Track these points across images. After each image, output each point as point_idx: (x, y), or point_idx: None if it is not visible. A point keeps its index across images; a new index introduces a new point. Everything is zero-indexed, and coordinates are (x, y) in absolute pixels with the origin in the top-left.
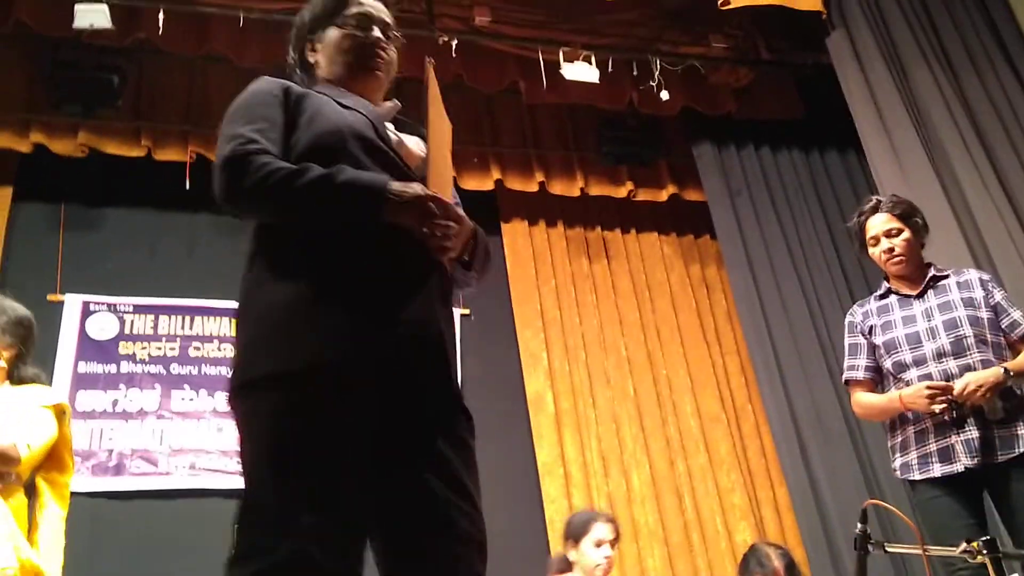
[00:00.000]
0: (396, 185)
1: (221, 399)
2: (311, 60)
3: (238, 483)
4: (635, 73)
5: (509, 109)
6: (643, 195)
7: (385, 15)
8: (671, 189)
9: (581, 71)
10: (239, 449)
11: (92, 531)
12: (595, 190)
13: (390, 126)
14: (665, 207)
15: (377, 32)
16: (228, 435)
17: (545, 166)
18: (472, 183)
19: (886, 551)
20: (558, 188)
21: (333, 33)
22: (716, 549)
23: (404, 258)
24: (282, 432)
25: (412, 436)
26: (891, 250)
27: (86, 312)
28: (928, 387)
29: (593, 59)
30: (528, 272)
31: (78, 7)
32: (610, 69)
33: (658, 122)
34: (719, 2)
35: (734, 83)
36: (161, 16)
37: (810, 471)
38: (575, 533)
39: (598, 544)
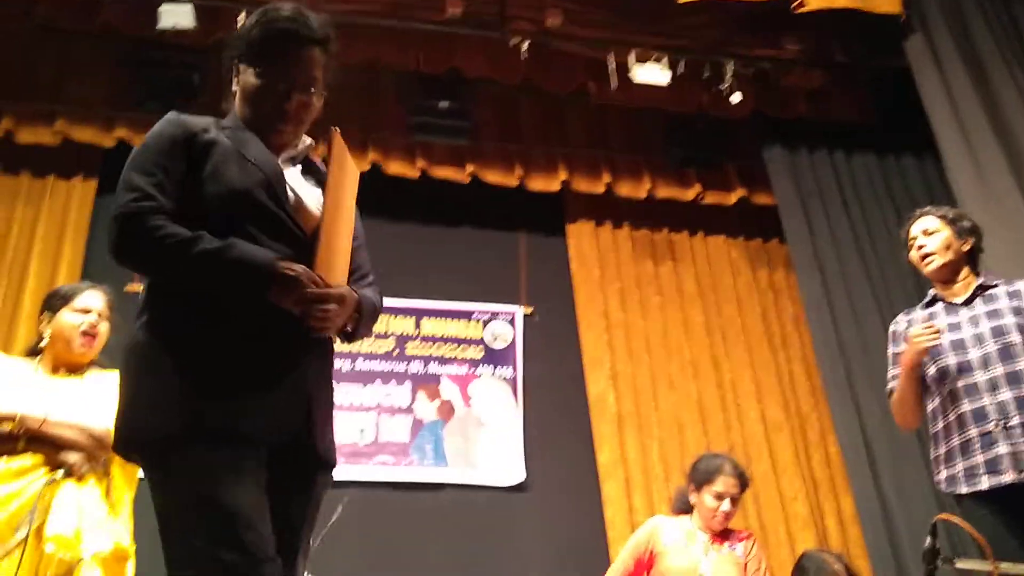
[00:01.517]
0: (281, 267)
1: None
2: (232, 87)
3: None
4: (706, 75)
5: (577, 111)
6: (711, 198)
7: (317, 61)
8: (740, 192)
9: (652, 73)
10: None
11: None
12: (662, 193)
13: (294, 174)
14: (733, 210)
15: (298, 96)
16: None
17: (612, 168)
18: (539, 184)
19: (955, 567)
20: (625, 190)
21: (251, 76)
22: (777, 557)
23: (282, 331)
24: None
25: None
26: (922, 247)
27: None
28: (921, 329)
29: (664, 61)
30: (593, 273)
31: (162, 8)
32: (681, 71)
33: (728, 125)
34: (793, 4)
35: (807, 86)
36: (242, 16)
37: (878, 482)
38: (698, 479)
39: (719, 497)
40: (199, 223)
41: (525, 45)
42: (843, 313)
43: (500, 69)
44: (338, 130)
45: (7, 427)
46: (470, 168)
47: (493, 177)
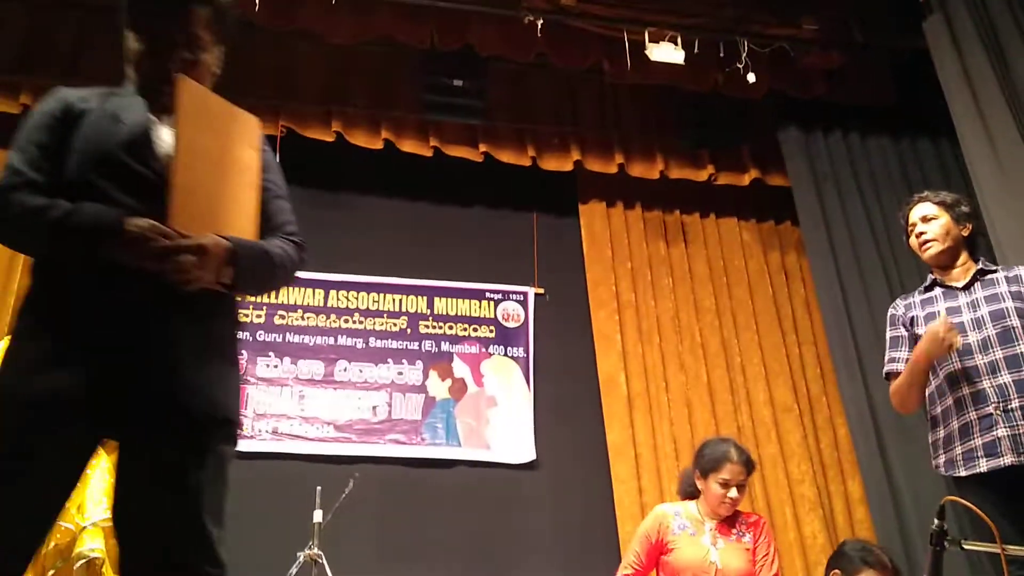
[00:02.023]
0: (125, 224)
1: (304, 367)
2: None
3: (317, 448)
4: (722, 55)
5: (591, 90)
6: (724, 179)
7: (196, 24)
8: (753, 174)
9: (667, 52)
10: None
11: None
12: (675, 173)
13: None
14: (746, 192)
15: (180, 56)
16: (310, 402)
17: (625, 148)
18: (551, 164)
19: (962, 548)
20: (638, 170)
21: (132, 40)
22: (784, 539)
23: (137, 290)
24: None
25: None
26: (922, 234)
27: None
28: (942, 326)
29: (679, 40)
30: (604, 254)
31: None
32: (696, 50)
33: (743, 105)
34: None
35: (824, 66)
36: None
37: (887, 464)
38: (704, 466)
39: (725, 484)
40: (73, 191)
41: (540, 23)
42: (855, 296)
43: (514, 47)
44: (184, 78)
45: None
46: (483, 147)
47: (506, 156)
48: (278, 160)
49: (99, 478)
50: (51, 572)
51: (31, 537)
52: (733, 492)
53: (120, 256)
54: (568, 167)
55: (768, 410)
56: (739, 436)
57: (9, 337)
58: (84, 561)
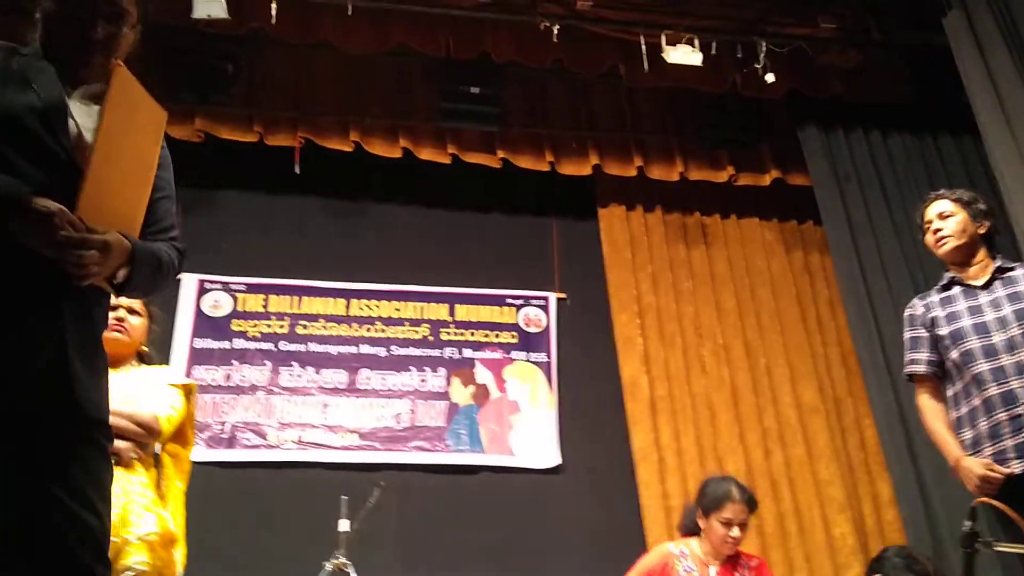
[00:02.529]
0: (31, 201)
1: (327, 376)
2: (35, 15)
3: (339, 456)
4: (739, 56)
5: (608, 94)
6: (744, 180)
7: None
8: (774, 174)
9: (684, 55)
10: None
11: (205, 499)
12: (695, 175)
13: (89, 110)
14: (767, 192)
15: (103, 26)
16: (333, 411)
17: (644, 150)
18: (570, 168)
19: (994, 550)
20: (657, 173)
21: (48, 9)
22: (813, 541)
23: (25, 273)
24: None
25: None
26: (938, 231)
27: (202, 290)
28: (986, 476)
29: (696, 42)
30: (625, 257)
31: None
32: (713, 52)
33: (762, 105)
34: None
35: (843, 65)
36: (274, 6)
37: (916, 466)
38: (706, 505)
39: (728, 524)
40: None
41: (555, 28)
42: (879, 295)
43: (530, 53)
44: (122, 65)
45: None
46: (501, 153)
47: (524, 162)
48: (297, 171)
49: (139, 492)
50: None
51: None
52: (735, 531)
53: (19, 234)
54: (586, 171)
55: (794, 411)
56: (764, 438)
57: None
58: (130, 574)
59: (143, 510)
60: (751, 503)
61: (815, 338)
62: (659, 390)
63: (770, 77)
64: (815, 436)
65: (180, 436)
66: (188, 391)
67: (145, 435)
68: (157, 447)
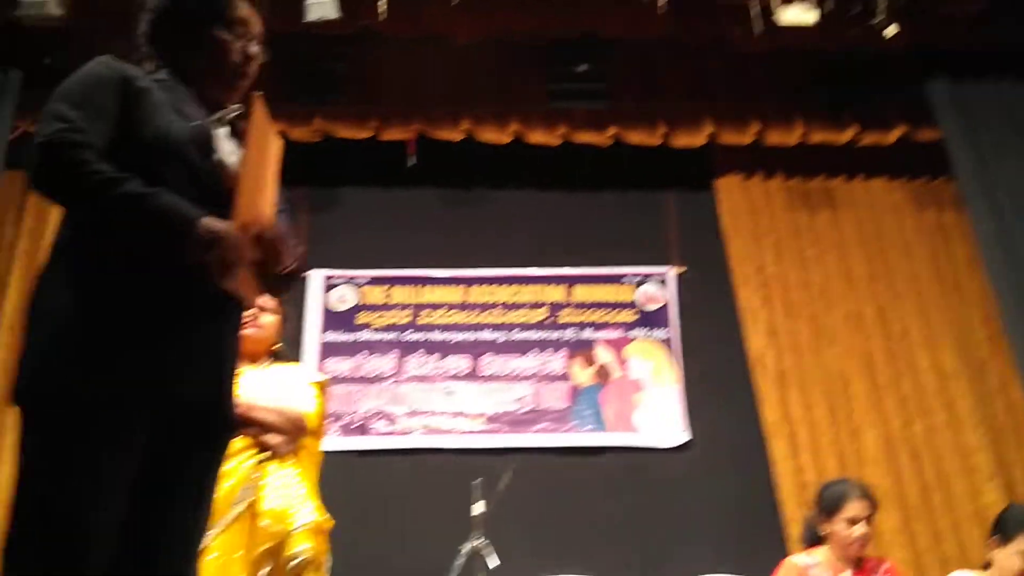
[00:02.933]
0: (206, 222)
1: (451, 362)
2: (169, 49)
3: (468, 441)
4: (856, 10)
5: (719, 61)
6: (868, 139)
7: (259, 24)
8: (900, 130)
9: (797, 14)
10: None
11: (343, 487)
12: (815, 137)
13: (222, 135)
14: (894, 150)
15: (255, 48)
16: (458, 397)
17: (760, 116)
18: (683, 140)
19: None
20: (775, 138)
21: (217, 36)
22: (960, 511)
23: (197, 291)
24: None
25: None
26: None
27: (327, 286)
28: None
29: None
30: (745, 227)
31: (308, 1)
32: (829, 8)
33: (883, 60)
34: None
35: (966, 12)
36: (382, 2)
37: None
38: (827, 508)
39: (852, 522)
40: (123, 168)
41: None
42: (1023, 250)
43: (637, 26)
44: (260, 95)
45: None
46: (611, 131)
47: (636, 137)
48: (411, 164)
49: (296, 484)
50: (263, 572)
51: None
52: (861, 528)
53: (196, 253)
54: (701, 141)
55: (934, 377)
56: (903, 407)
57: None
58: (296, 562)
59: (302, 501)
60: (872, 500)
61: (953, 299)
62: (787, 362)
63: (891, 29)
64: (957, 402)
65: (315, 431)
66: (322, 387)
67: (296, 431)
68: None
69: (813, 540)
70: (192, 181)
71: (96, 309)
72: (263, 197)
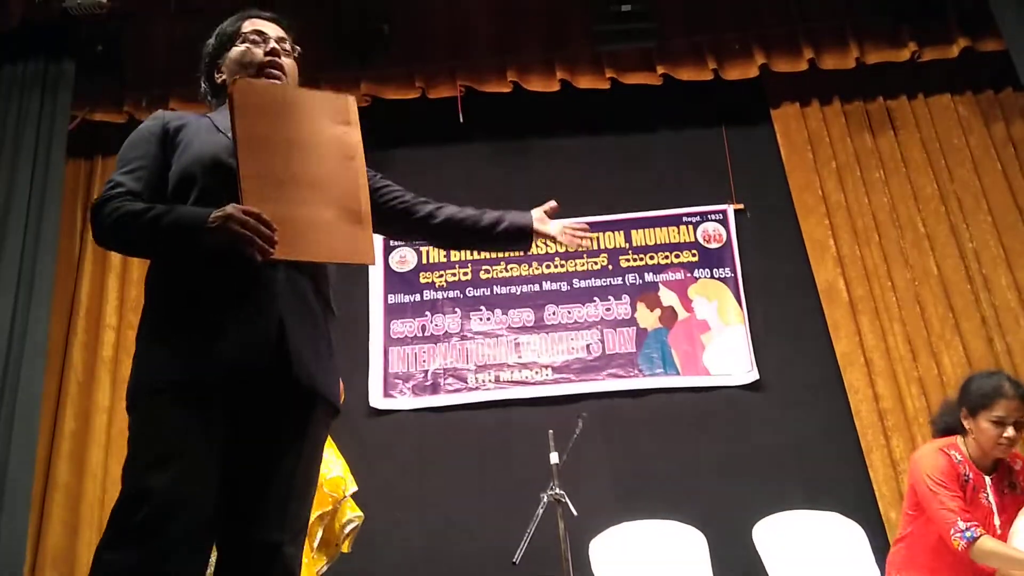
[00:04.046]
0: (214, 212)
1: (514, 315)
2: (219, 81)
3: (537, 391)
4: None
5: None
6: (929, 54)
7: (280, 30)
8: (962, 43)
9: None
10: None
11: (420, 444)
12: (872, 57)
13: None
14: (956, 64)
15: (272, 44)
16: (525, 348)
17: (813, 41)
18: (735, 73)
19: None
20: (830, 62)
21: (234, 51)
22: None
23: (245, 276)
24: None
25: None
26: None
27: (388, 248)
28: None
29: None
30: (805, 157)
31: None
32: None
33: None
34: None
35: None
36: None
37: None
38: (973, 403)
39: (1000, 422)
40: (178, 199)
41: None
42: None
43: None
44: (235, 82)
45: None
46: (661, 69)
47: (686, 74)
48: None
49: (337, 458)
50: (318, 534)
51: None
52: (1010, 431)
53: (212, 241)
54: (753, 73)
55: (1013, 294)
56: (983, 326)
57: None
58: (351, 527)
59: (345, 473)
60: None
61: None
62: (858, 290)
63: None
64: None
65: None
66: None
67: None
68: None
69: (944, 429)
70: (225, 184)
71: (164, 315)
72: (281, 164)
